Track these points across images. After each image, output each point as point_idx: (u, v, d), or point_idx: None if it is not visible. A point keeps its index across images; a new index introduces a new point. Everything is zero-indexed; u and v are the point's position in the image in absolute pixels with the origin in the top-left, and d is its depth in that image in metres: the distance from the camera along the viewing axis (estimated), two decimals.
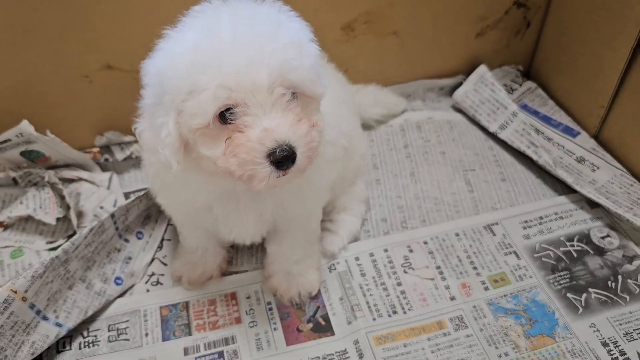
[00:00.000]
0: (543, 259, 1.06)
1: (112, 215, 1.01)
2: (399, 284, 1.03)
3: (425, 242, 1.10)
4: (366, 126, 1.32)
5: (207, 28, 0.66)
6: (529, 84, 1.41)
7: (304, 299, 1.00)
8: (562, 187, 1.19)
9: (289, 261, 0.99)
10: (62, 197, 1.08)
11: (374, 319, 0.98)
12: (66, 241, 0.99)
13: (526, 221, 1.13)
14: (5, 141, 1.06)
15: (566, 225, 1.11)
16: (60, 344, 0.95)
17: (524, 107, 1.35)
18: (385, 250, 1.09)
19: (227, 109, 0.66)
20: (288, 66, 0.65)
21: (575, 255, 1.06)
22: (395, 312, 0.99)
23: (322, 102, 0.77)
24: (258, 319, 0.99)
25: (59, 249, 0.92)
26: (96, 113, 1.18)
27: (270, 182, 0.68)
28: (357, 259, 1.07)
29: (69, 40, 1.05)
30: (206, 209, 0.84)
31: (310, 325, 0.98)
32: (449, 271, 1.05)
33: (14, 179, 1.15)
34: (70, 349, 0.95)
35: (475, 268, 1.05)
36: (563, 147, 1.24)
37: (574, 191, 1.16)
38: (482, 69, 1.35)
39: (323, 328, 0.98)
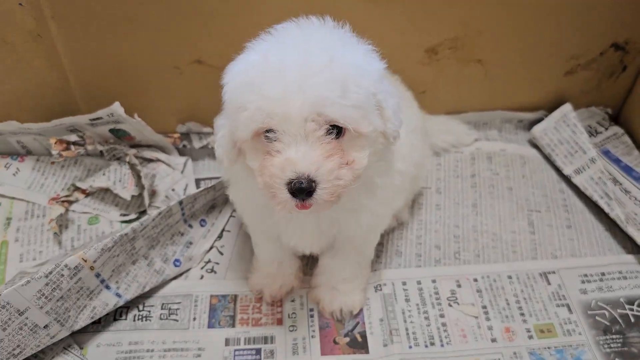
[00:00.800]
0: (597, 318, 1.02)
1: (180, 202, 1.08)
2: (442, 316, 1.03)
3: (475, 280, 1.09)
4: (433, 153, 1.32)
5: (265, 50, 0.70)
6: (616, 129, 1.34)
7: (345, 315, 1.02)
8: (632, 246, 1.14)
9: (337, 277, 1.01)
10: (139, 178, 1.16)
11: (410, 347, 0.99)
12: (136, 219, 1.06)
13: (586, 275, 1.09)
14: (97, 118, 1.15)
15: (629, 287, 1.07)
16: (118, 313, 1.03)
17: (606, 153, 1.30)
18: (434, 281, 1.09)
19: (268, 131, 0.68)
20: (325, 102, 0.65)
21: (632, 320, 1.02)
22: (432, 344, 1.00)
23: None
24: (298, 323, 1.03)
25: (129, 227, 0.99)
26: (181, 102, 1.25)
27: (289, 208, 0.70)
28: (404, 283, 1.08)
29: (166, 33, 1.12)
30: (267, 210, 0.87)
31: (347, 339, 1.01)
32: (495, 312, 1.04)
33: (100, 152, 1.25)
34: (126, 319, 1.03)
35: (522, 314, 1.03)
36: None
37: None
38: (567, 107, 1.30)
39: (359, 344, 1.00)
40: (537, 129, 1.33)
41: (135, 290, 1.03)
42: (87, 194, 1.22)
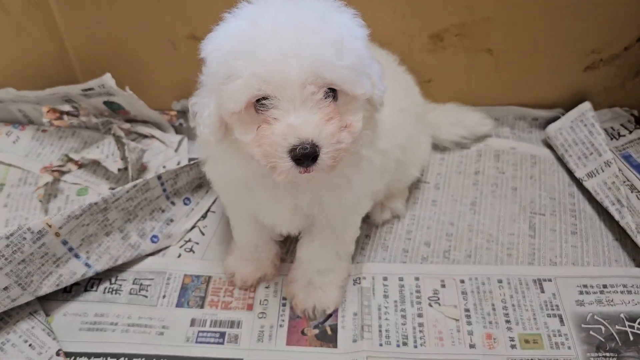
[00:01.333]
0: (591, 333, 0.93)
1: (159, 177, 1.06)
2: (420, 315, 0.96)
3: (462, 281, 1.01)
4: (441, 147, 1.25)
5: (253, 15, 0.67)
6: None
7: (317, 314, 0.97)
8: None
9: (313, 268, 0.97)
10: (125, 151, 1.15)
11: (381, 344, 0.93)
12: None
13: (585, 285, 0.99)
14: (89, 89, 1.15)
15: (632, 302, 0.96)
16: (89, 284, 1.02)
17: (627, 158, 1.19)
18: (417, 279, 1.02)
19: (262, 99, 0.65)
20: (323, 64, 0.63)
21: (632, 338, 0.92)
22: (405, 344, 0.93)
23: (383, 110, 0.75)
24: (269, 311, 0.99)
25: (99, 197, 0.98)
26: (177, 79, 1.23)
27: (291, 177, 0.68)
28: (385, 279, 1.02)
29: (162, 6, 1.11)
30: (245, 187, 0.84)
31: (316, 331, 0.96)
32: (478, 317, 0.96)
33: (98, 125, 1.25)
34: (96, 291, 1.02)
35: (508, 321, 0.95)
36: None
37: None
38: (586, 106, 1.20)
39: (328, 337, 0.95)
40: (552, 128, 1.23)
41: (106, 262, 1.01)
42: (79, 165, 1.22)
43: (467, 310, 0.97)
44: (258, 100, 0.66)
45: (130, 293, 1.01)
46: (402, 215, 1.12)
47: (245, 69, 0.63)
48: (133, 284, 1.03)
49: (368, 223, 1.11)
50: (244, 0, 0.70)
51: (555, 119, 1.25)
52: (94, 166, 1.22)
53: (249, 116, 0.68)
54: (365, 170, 0.81)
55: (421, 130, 1.07)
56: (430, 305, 0.98)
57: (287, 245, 1.09)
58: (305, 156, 0.65)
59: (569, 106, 1.23)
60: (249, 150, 0.69)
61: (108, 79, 1.11)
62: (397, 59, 1.01)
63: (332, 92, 0.67)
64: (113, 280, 1.03)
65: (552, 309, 0.96)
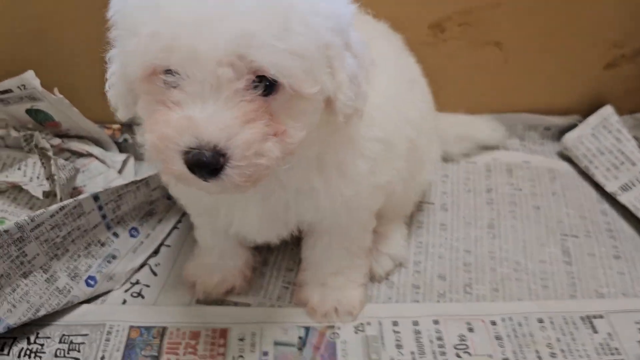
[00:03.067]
0: None
1: (96, 198, 0.81)
2: None
3: (494, 323, 0.80)
4: (444, 158, 1.05)
5: None
6: None
7: (342, 316, 0.79)
8: None
9: (323, 271, 0.80)
10: (51, 167, 0.90)
11: None
12: None
13: None
14: (6, 91, 0.90)
15: None
16: None
17: None
18: (436, 322, 0.80)
19: (168, 71, 0.48)
20: (252, 38, 0.45)
21: None
22: None
23: (372, 81, 0.56)
24: None
25: (12, 223, 0.72)
26: None
27: (190, 183, 0.51)
28: (395, 323, 0.79)
29: None
30: None
31: None
32: None
33: (22, 141, 0.99)
34: (8, 355, 0.74)
35: None
36: None
37: None
38: (607, 110, 1.04)
39: None
40: (570, 137, 1.06)
41: (23, 314, 0.74)
42: None
43: None
44: (165, 72, 0.49)
45: (56, 356, 0.75)
46: (407, 260, 0.90)
47: (146, 25, 0.46)
48: (60, 342, 0.77)
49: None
50: None
51: (570, 127, 1.09)
52: (14, 192, 0.96)
53: (153, 88, 0.51)
54: (342, 173, 0.63)
55: (430, 114, 0.87)
56: (458, 356, 0.75)
57: (263, 255, 0.88)
58: (200, 165, 0.48)
59: (585, 112, 1.07)
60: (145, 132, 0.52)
61: (30, 78, 0.87)
62: (400, 37, 0.82)
63: (267, 84, 0.49)
64: (32, 338, 0.77)
65: (611, 353, 0.75)
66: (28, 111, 0.95)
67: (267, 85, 0.49)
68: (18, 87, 0.88)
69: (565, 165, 1.07)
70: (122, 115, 0.57)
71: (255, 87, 0.48)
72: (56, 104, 0.92)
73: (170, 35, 0.45)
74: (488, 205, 0.99)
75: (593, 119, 1.05)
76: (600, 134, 1.04)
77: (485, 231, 0.94)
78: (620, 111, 1.06)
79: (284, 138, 0.51)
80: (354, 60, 0.53)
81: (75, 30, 0.93)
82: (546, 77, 1.04)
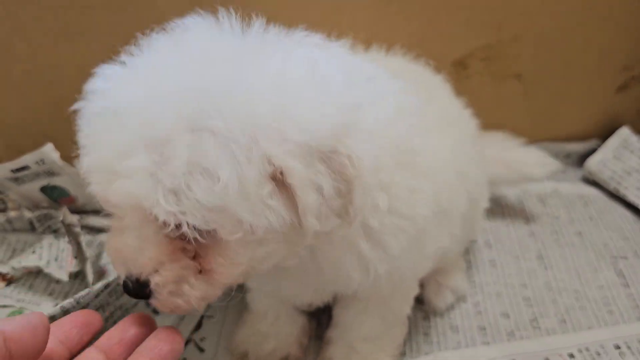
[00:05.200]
0: None
1: None
2: None
3: (572, 355, 0.76)
4: None
5: (119, 76, 0.46)
6: None
7: None
8: None
9: (353, 334, 0.71)
10: (79, 245, 0.83)
11: None
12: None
13: None
14: (22, 168, 0.83)
15: None
16: None
17: None
18: None
19: None
20: (145, 199, 0.41)
21: None
22: None
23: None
24: None
25: (57, 307, 0.64)
26: None
27: None
28: None
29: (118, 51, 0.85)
30: None
31: None
32: None
33: (31, 223, 0.92)
34: None
35: None
36: None
37: None
38: (625, 131, 1.06)
39: None
40: (593, 162, 1.06)
41: None
42: (8, 280, 0.87)
43: None
44: None
45: None
46: (466, 293, 0.86)
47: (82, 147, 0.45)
48: None
49: (424, 310, 0.84)
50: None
51: (590, 152, 1.10)
52: (30, 279, 0.88)
53: None
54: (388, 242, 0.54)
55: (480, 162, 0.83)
56: None
57: (320, 317, 0.81)
58: (127, 291, 0.47)
59: (603, 135, 1.09)
60: None
61: (49, 151, 0.81)
62: (442, 78, 0.80)
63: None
64: None
65: None
66: (43, 189, 0.88)
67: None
68: (36, 162, 0.82)
69: (593, 191, 1.06)
70: None
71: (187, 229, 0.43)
72: (75, 177, 0.86)
73: (91, 169, 0.45)
74: (530, 237, 0.97)
75: (613, 142, 1.06)
76: (622, 155, 1.05)
77: (535, 263, 0.92)
78: (635, 131, 1.08)
79: (212, 276, 0.47)
80: (330, 176, 0.43)
81: None
82: (563, 105, 1.06)
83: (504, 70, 0.99)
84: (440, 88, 0.78)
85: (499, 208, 1.03)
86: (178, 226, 0.42)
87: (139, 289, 0.46)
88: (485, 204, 0.85)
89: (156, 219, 0.42)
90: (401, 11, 0.90)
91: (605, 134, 1.08)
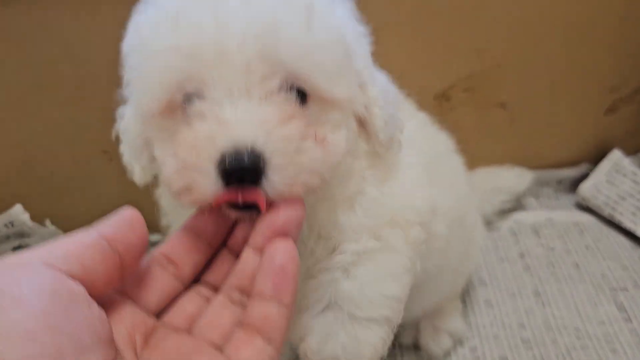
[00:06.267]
0: None
1: None
2: None
3: None
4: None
5: None
6: None
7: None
8: None
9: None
10: None
11: None
12: None
13: None
14: None
15: None
16: None
17: None
18: None
19: (190, 96, 0.42)
20: (280, 33, 0.40)
21: None
22: None
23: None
24: None
25: None
26: (116, 201, 0.91)
27: (220, 208, 0.41)
28: None
29: (90, 104, 0.82)
30: None
31: None
32: None
33: None
34: None
35: None
36: None
37: None
38: (616, 155, 1.03)
39: None
40: (585, 188, 1.03)
41: None
42: None
43: None
44: (185, 102, 0.42)
45: None
46: (465, 335, 0.83)
47: (164, 42, 0.41)
48: None
49: (419, 356, 0.80)
50: None
51: (582, 177, 1.06)
52: None
53: (170, 122, 0.43)
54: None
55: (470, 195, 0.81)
56: None
57: None
58: (238, 171, 0.38)
59: (594, 159, 1.06)
60: (162, 167, 0.43)
61: (19, 213, 0.78)
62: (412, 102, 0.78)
63: (299, 95, 0.43)
64: None
65: None
66: (15, 249, 0.84)
67: (297, 94, 0.43)
68: (5, 225, 0.79)
69: (587, 217, 1.03)
70: (138, 177, 0.50)
71: (288, 91, 0.42)
72: (48, 238, 0.82)
73: (192, 44, 0.40)
74: (526, 271, 0.93)
75: (604, 165, 1.03)
76: (615, 179, 1.02)
77: (532, 300, 0.88)
78: (626, 153, 1.05)
79: (325, 144, 0.43)
80: (383, 76, 0.50)
81: (63, 151, 0.86)
82: (551, 131, 1.03)
83: (488, 100, 0.96)
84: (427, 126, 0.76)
85: (492, 242, 0.99)
86: (288, 89, 0.42)
87: (254, 161, 0.38)
88: (479, 235, 0.82)
89: (265, 76, 0.40)
90: (379, 46, 0.87)
91: (596, 158, 1.05)
